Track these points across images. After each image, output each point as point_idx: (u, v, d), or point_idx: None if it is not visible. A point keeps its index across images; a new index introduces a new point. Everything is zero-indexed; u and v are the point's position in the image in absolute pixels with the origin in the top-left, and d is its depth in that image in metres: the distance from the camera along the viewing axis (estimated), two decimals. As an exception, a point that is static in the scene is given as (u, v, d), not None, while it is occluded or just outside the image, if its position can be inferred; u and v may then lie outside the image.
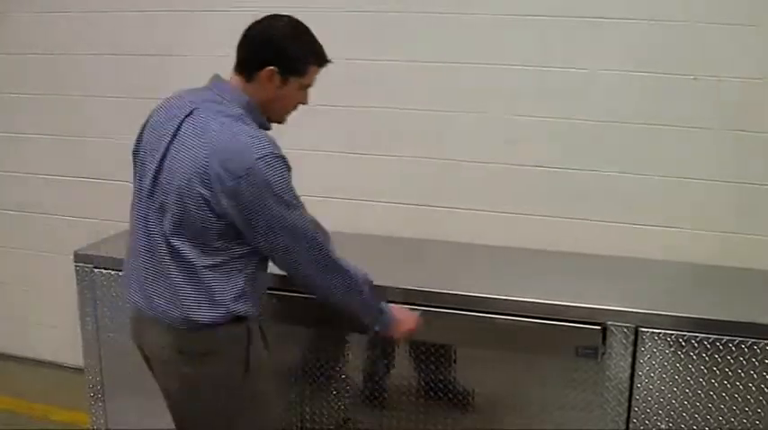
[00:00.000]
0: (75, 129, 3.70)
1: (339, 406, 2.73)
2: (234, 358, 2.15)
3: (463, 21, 3.05)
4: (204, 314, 2.08)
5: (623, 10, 2.86)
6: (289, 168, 2.05)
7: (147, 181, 2.11)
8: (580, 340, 2.40)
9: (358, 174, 3.29)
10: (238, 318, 2.12)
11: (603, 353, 2.39)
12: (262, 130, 2.09)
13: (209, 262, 2.06)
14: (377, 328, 2.29)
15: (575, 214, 3.05)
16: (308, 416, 2.75)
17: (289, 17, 2.14)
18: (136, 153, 2.23)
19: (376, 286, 2.29)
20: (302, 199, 2.11)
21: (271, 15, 2.15)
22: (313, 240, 2.09)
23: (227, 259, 2.08)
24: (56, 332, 3.88)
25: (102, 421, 2.97)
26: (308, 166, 3.28)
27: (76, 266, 2.87)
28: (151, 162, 2.11)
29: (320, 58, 2.16)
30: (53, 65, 3.68)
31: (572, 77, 2.95)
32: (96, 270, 2.84)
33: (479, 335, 2.51)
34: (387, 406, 2.70)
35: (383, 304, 2.29)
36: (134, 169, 2.23)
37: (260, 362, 2.20)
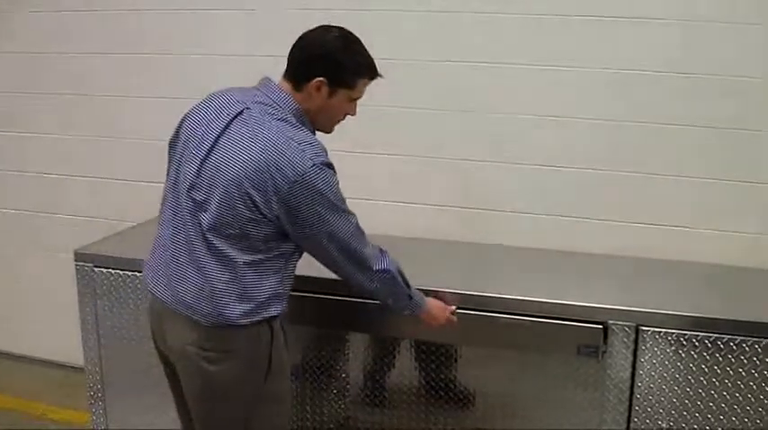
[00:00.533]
0: (77, 128, 3.70)
1: (339, 405, 2.73)
2: (257, 357, 2.15)
3: (471, 19, 3.05)
4: (235, 311, 2.07)
5: (639, 8, 2.87)
6: (335, 173, 2.08)
7: (188, 175, 2.10)
8: (581, 339, 2.40)
9: (358, 173, 3.29)
10: (265, 318, 2.12)
11: (605, 352, 2.39)
12: (315, 137, 2.12)
13: (248, 259, 2.06)
14: (406, 312, 2.33)
15: (575, 213, 3.05)
16: (308, 415, 2.75)
17: (340, 29, 2.15)
18: (173, 146, 2.23)
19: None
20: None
21: (324, 26, 2.15)
22: (352, 241, 2.12)
23: (266, 258, 2.08)
24: (56, 331, 3.87)
25: (102, 420, 2.97)
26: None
27: (77, 265, 2.86)
28: (194, 157, 2.10)
29: (371, 72, 2.16)
30: (57, 64, 3.67)
31: (578, 76, 2.95)
32: (96, 269, 2.83)
33: (480, 333, 2.51)
34: (388, 405, 2.70)
35: (413, 291, 2.31)
36: (169, 162, 2.23)
37: (281, 364, 2.21)
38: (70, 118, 3.71)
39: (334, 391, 2.72)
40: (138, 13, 3.47)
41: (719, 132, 2.86)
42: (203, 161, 2.08)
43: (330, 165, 2.06)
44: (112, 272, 2.81)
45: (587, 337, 2.40)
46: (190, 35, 3.41)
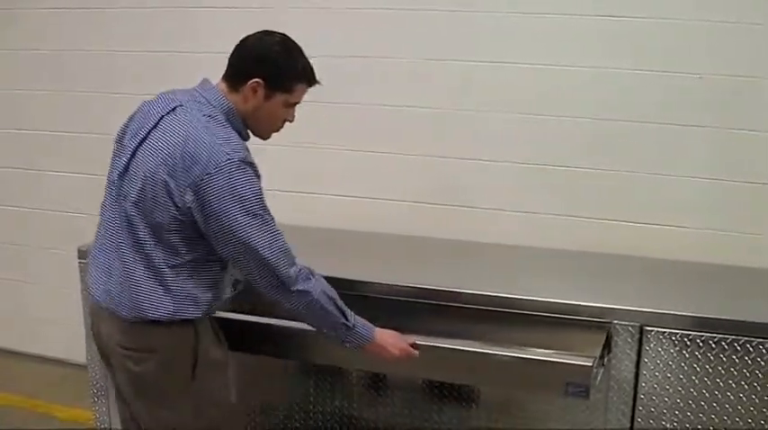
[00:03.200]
0: (81, 125, 3.70)
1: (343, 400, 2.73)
2: (180, 357, 2.15)
3: (467, 18, 3.05)
4: (152, 308, 2.08)
5: (631, 8, 2.86)
6: (258, 176, 2.06)
7: (119, 168, 2.14)
8: (569, 377, 2.22)
9: (360, 172, 3.29)
10: (182, 319, 2.12)
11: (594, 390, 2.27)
12: (238, 136, 2.10)
13: (166, 256, 2.07)
14: (347, 345, 2.20)
15: (579, 213, 3.05)
16: (311, 414, 2.75)
17: (282, 35, 2.17)
18: (119, 138, 2.24)
19: (380, 284, 2.30)
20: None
21: (265, 31, 2.17)
22: (270, 256, 2.04)
23: (185, 258, 2.08)
24: (59, 328, 3.88)
25: (105, 418, 2.97)
26: (308, 161, 3.33)
27: (81, 263, 2.86)
28: (125, 151, 2.14)
29: (309, 77, 2.17)
30: (63, 61, 3.68)
31: (576, 76, 2.95)
32: (100, 267, 2.83)
33: (459, 369, 2.38)
34: (389, 402, 2.70)
35: (354, 320, 2.18)
36: (113, 152, 2.25)
37: (210, 363, 2.20)
38: (77, 115, 3.71)
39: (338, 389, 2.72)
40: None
41: (722, 132, 2.85)
42: (132, 155, 2.11)
43: (251, 164, 2.04)
44: (116, 269, 2.80)
45: (575, 375, 2.20)
46: (201, 33, 3.42)
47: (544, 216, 3.10)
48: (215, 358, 2.22)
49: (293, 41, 2.17)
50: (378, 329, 2.23)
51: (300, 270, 2.10)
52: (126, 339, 2.14)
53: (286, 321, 2.33)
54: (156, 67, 3.50)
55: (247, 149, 2.08)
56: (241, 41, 2.17)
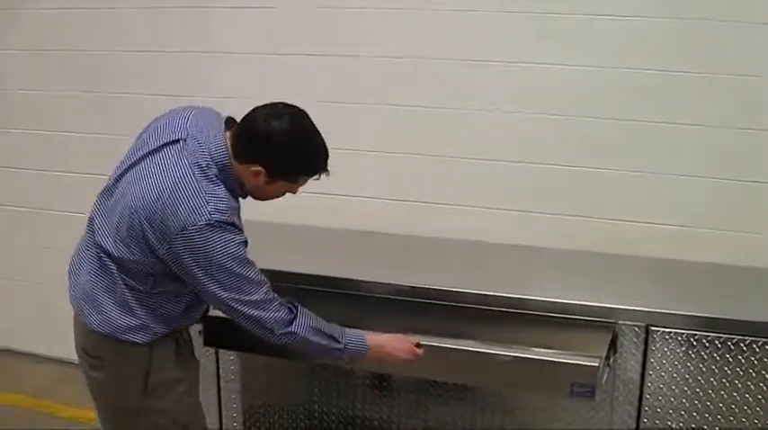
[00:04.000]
0: (91, 126, 3.70)
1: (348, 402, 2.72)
2: (130, 375, 2.14)
3: (466, 16, 3.04)
4: (102, 324, 2.08)
5: (627, 8, 2.85)
6: (240, 233, 1.99)
7: (111, 179, 2.13)
8: (575, 377, 2.23)
9: (363, 172, 3.29)
10: (127, 340, 2.10)
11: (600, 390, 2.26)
12: (227, 195, 1.99)
13: (129, 282, 2.05)
14: (345, 363, 2.22)
15: (584, 212, 3.04)
16: (316, 415, 2.75)
17: (291, 115, 2.00)
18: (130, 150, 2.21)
19: (381, 284, 2.32)
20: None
21: (275, 109, 2.01)
22: (251, 310, 2.01)
23: (144, 290, 2.06)
24: (65, 329, 3.87)
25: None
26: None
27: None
28: (123, 164, 2.11)
29: (314, 171, 2.06)
30: (75, 62, 3.67)
31: (577, 75, 2.94)
32: (105, 266, 2.82)
33: (464, 370, 2.38)
34: (393, 403, 2.69)
35: (345, 339, 2.14)
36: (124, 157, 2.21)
37: (166, 380, 2.17)
38: (86, 116, 3.71)
39: (342, 388, 2.71)
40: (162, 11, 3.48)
41: (726, 132, 2.84)
42: (123, 173, 2.08)
43: (232, 225, 1.96)
44: (121, 269, 2.80)
45: (581, 375, 2.20)
46: (212, 34, 3.40)
47: (544, 215, 3.09)
48: (172, 377, 2.19)
49: (303, 125, 2.02)
50: (371, 335, 2.19)
51: (284, 313, 2.06)
52: (85, 344, 2.17)
53: None
54: (164, 68, 3.50)
55: (233, 209, 1.99)
56: (249, 115, 2.02)
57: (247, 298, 2.01)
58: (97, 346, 2.13)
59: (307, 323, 2.09)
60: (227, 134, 2.03)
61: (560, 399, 2.42)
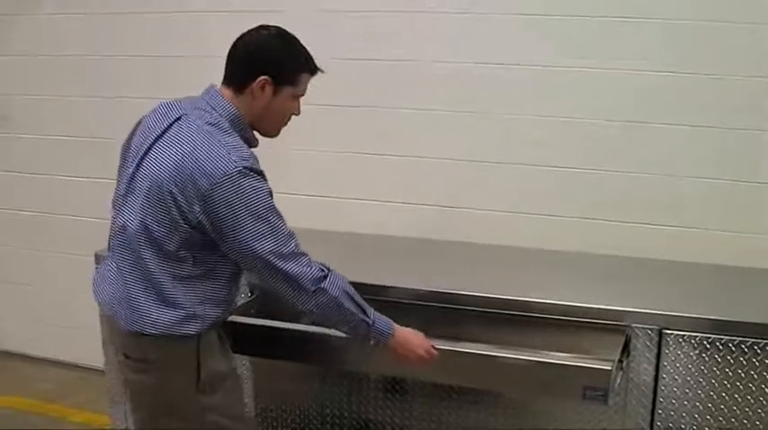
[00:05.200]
0: (99, 131, 3.72)
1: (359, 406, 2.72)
2: (182, 373, 2.11)
3: (474, 20, 3.04)
4: (148, 325, 2.05)
5: (638, 10, 2.86)
6: (266, 181, 2.02)
7: (124, 181, 2.13)
8: (587, 381, 2.19)
9: (371, 174, 3.29)
10: (180, 334, 2.08)
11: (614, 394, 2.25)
12: (244, 143, 2.07)
13: (173, 272, 2.04)
14: (372, 342, 2.17)
15: (596, 215, 3.04)
16: (328, 419, 2.75)
17: (276, 27, 2.13)
18: (124, 151, 2.23)
19: (394, 287, 2.32)
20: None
21: (259, 26, 2.13)
22: (283, 261, 2.00)
23: (186, 271, 2.05)
24: (75, 333, 3.89)
25: (122, 423, 2.97)
26: (321, 165, 3.33)
27: (97, 267, 2.86)
28: (131, 163, 2.12)
29: (311, 66, 2.14)
30: (80, 66, 3.69)
31: (584, 77, 2.95)
32: (117, 271, 2.83)
33: (474, 373, 2.35)
34: (405, 406, 2.69)
35: (374, 316, 2.14)
36: (119, 167, 2.24)
37: (216, 375, 2.16)
38: (94, 120, 3.72)
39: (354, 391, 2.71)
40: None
41: (730, 133, 2.84)
42: (137, 167, 2.08)
43: (259, 173, 2.01)
44: (132, 274, 2.81)
45: (594, 379, 2.17)
46: (217, 37, 3.40)
47: (550, 218, 3.09)
48: (220, 370, 2.18)
49: (289, 33, 2.13)
50: (398, 326, 2.18)
51: (316, 269, 2.05)
52: (127, 348, 2.13)
53: (306, 326, 2.31)
54: (168, 72, 3.51)
55: (255, 157, 2.05)
56: (238, 41, 2.12)
57: (283, 249, 2.00)
58: (142, 348, 2.09)
59: (339, 283, 2.08)
60: (219, 88, 2.11)
61: (573, 403, 2.41)
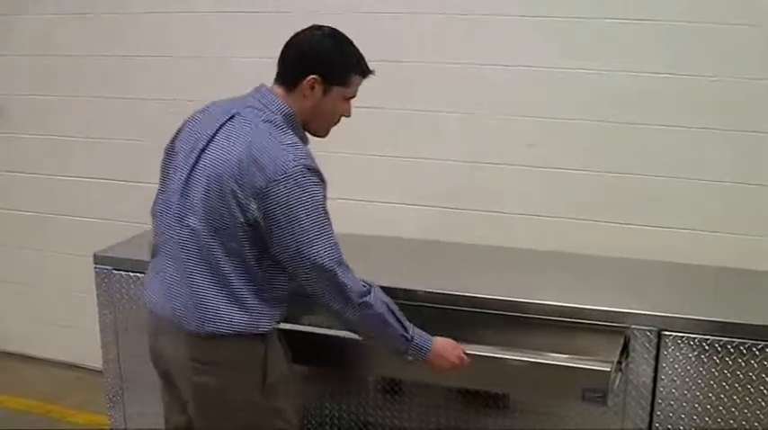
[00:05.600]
0: (97, 131, 3.72)
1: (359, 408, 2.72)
2: (249, 372, 2.11)
3: (482, 22, 3.04)
4: (220, 325, 2.04)
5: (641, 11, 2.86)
6: (323, 182, 2.03)
7: (179, 182, 2.09)
8: (587, 382, 2.20)
9: (380, 176, 3.29)
10: (252, 333, 2.07)
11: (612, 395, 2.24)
12: (300, 142, 2.08)
13: (235, 268, 2.03)
14: (410, 358, 2.14)
15: (596, 217, 3.04)
16: (327, 420, 2.75)
17: (330, 27, 2.14)
18: (169, 153, 2.22)
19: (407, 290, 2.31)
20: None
21: (313, 26, 2.14)
22: (333, 267, 2.00)
23: (256, 269, 2.04)
24: (74, 333, 3.89)
25: (121, 423, 2.98)
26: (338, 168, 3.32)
27: (96, 268, 2.87)
28: (184, 164, 2.10)
29: (363, 68, 2.15)
30: (78, 67, 3.69)
31: (589, 78, 2.95)
32: (116, 272, 2.84)
33: (479, 374, 2.34)
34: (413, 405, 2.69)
35: (413, 331, 2.13)
36: (163, 169, 2.23)
37: (279, 378, 2.16)
38: (91, 120, 3.72)
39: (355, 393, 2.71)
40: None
41: (738, 135, 2.84)
42: (193, 167, 2.07)
43: (317, 172, 2.01)
44: (131, 275, 2.81)
45: (593, 381, 2.18)
46: (226, 38, 3.42)
47: (552, 219, 3.09)
48: (283, 373, 2.18)
49: (342, 33, 2.13)
50: (436, 338, 2.17)
51: (360, 283, 2.05)
52: (192, 351, 2.09)
53: (336, 331, 2.29)
54: (171, 72, 3.52)
55: (311, 155, 2.04)
56: (290, 40, 2.12)
57: (333, 255, 2.00)
58: (212, 349, 2.07)
59: (381, 298, 2.09)
60: (271, 87, 2.12)
61: (572, 405, 2.40)
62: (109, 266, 2.85)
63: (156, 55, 3.55)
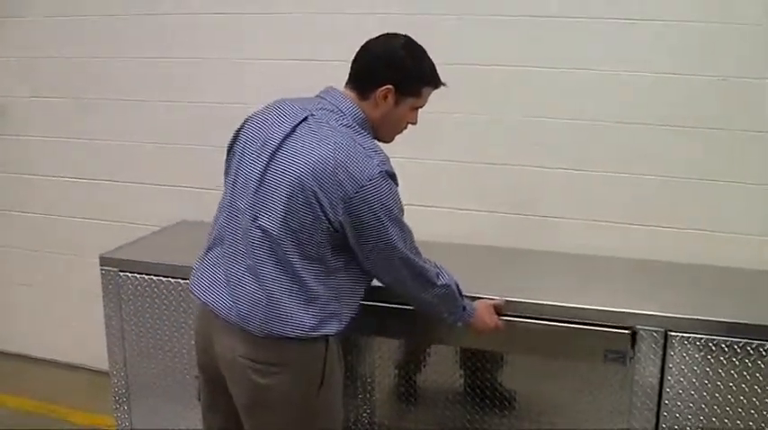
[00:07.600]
0: (101, 132, 3.71)
1: (365, 408, 2.73)
2: (310, 371, 2.11)
3: (489, 21, 3.05)
4: (290, 326, 2.03)
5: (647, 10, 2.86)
6: (398, 186, 2.09)
7: (250, 180, 2.07)
8: (608, 344, 2.38)
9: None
10: (321, 335, 2.08)
11: (632, 358, 2.37)
12: (379, 146, 2.10)
13: (311, 271, 2.03)
14: (459, 324, 2.30)
15: (599, 217, 3.04)
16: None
17: (405, 36, 2.14)
18: (231, 151, 2.21)
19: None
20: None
21: (389, 34, 2.14)
22: (417, 261, 2.13)
23: (330, 273, 2.06)
24: (80, 335, 3.88)
25: (126, 424, 2.98)
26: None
27: (102, 269, 2.87)
28: (255, 162, 2.07)
29: (435, 80, 2.16)
30: (80, 66, 3.68)
31: (592, 78, 2.95)
32: (122, 273, 2.84)
33: (510, 339, 2.46)
34: (420, 405, 2.69)
35: (467, 303, 2.30)
36: (227, 167, 2.22)
37: (334, 379, 2.18)
38: (95, 121, 3.71)
39: (360, 395, 2.72)
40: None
41: (740, 134, 2.85)
42: (266, 165, 2.05)
43: (394, 176, 2.06)
44: (138, 276, 2.82)
45: (614, 343, 2.37)
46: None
47: (558, 220, 3.10)
48: (337, 376, 2.20)
49: (417, 43, 2.14)
50: (475, 302, 2.34)
51: (431, 265, 2.19)
52: (254, 352, 2.08)
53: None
54: (172, 72, 3.51)
55: (389, 159, 2.07)
56: (366, 45, 2.13)
57: (414, 247, 2.13)
58: (275, 351, 2.07)
59: (450, 276, 2.24)
60: (343, 90, 2.13)
61: (595, 365, 2.44)
62: (115, 268, 2.85)
63: (157, 56, 3.54)
